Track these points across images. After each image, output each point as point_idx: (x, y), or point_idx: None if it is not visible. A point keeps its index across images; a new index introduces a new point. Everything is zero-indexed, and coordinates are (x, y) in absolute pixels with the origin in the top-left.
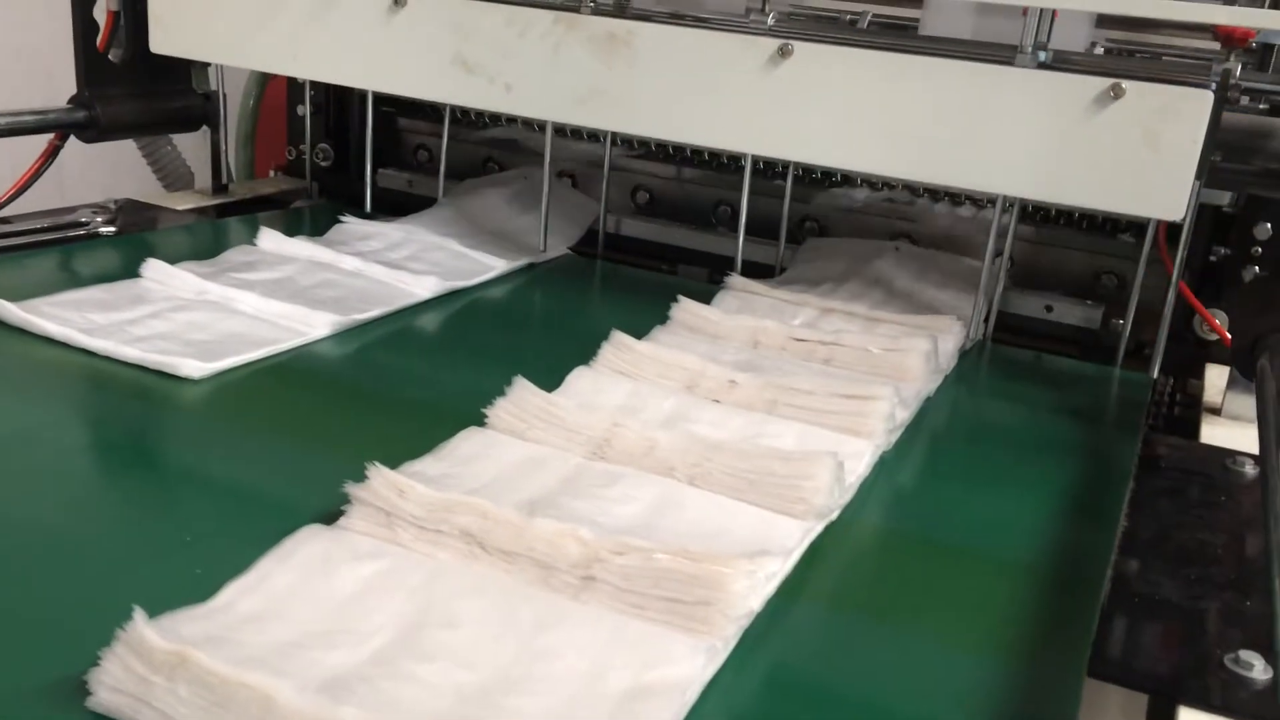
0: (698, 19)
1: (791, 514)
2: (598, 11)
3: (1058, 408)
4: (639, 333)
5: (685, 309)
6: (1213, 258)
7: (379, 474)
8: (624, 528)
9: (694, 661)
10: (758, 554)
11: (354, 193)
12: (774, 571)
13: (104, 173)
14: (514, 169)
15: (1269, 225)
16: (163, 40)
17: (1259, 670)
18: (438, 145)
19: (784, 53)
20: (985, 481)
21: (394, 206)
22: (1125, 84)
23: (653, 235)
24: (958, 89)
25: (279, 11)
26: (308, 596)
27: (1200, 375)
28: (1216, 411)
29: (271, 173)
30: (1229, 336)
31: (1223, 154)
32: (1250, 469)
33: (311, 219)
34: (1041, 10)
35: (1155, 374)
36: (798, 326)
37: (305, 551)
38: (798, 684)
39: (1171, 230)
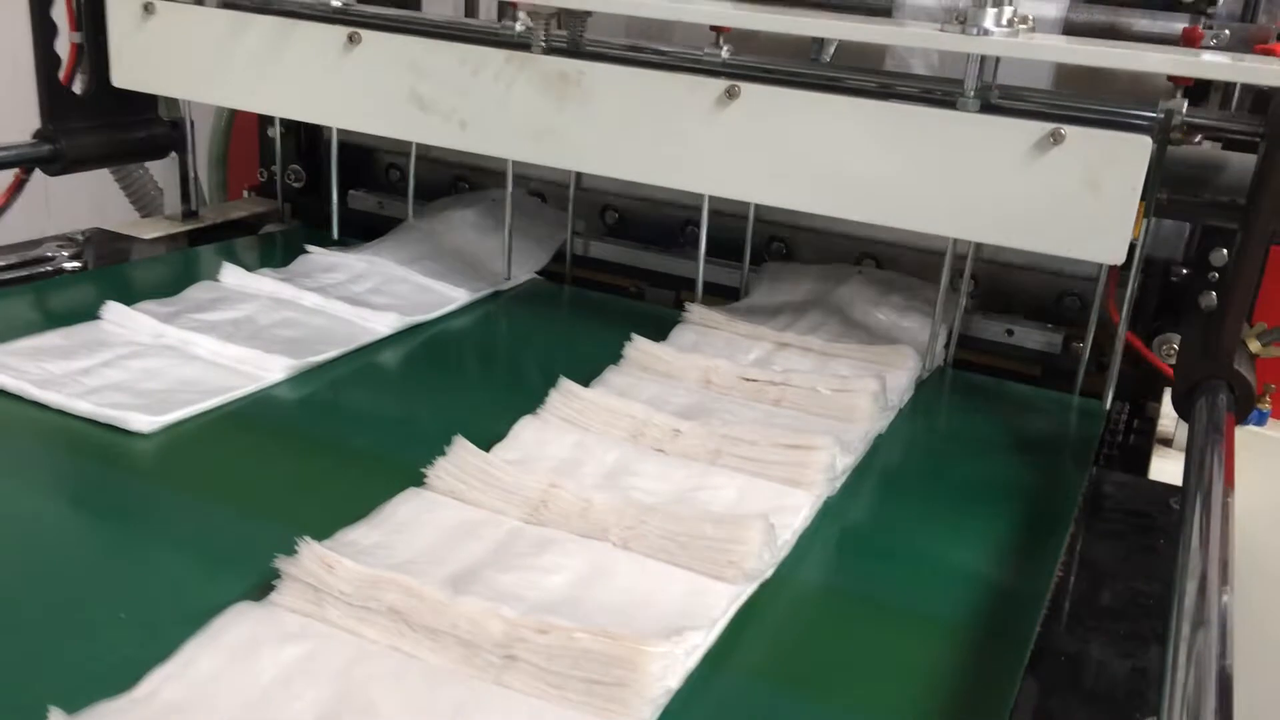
0: (658, 51)
1: (722, 578)
2: (550, 49)
3: (1008, 442)
4: (599, 364)
5: (638, 348)
6: (1174, 278)
7: (308, 549)
8: (550, 601)
9: None
10: (678, 630)
11: (326, 213)
12: (696, 645)
13: (91, 190)
14: (484, 189)
15: (1224, 251)
16: (123, 75)
17: None
18: (409, 164)
19: (731, 94)
20: (925, 529)
21: (365, 229)
22: (1065, 129)
23: (621, 258)
24: (901, 131)
25: (236, 47)
26: (231, 683)
27: (1159, 398)
28: (1169, 442)
29: (245, 193)
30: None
31: (1172, 187)
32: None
33: (283, 244)
34: (983, 55)
35: (1108, 404)
36: (749, 365)
37: (233, 633)
38: None
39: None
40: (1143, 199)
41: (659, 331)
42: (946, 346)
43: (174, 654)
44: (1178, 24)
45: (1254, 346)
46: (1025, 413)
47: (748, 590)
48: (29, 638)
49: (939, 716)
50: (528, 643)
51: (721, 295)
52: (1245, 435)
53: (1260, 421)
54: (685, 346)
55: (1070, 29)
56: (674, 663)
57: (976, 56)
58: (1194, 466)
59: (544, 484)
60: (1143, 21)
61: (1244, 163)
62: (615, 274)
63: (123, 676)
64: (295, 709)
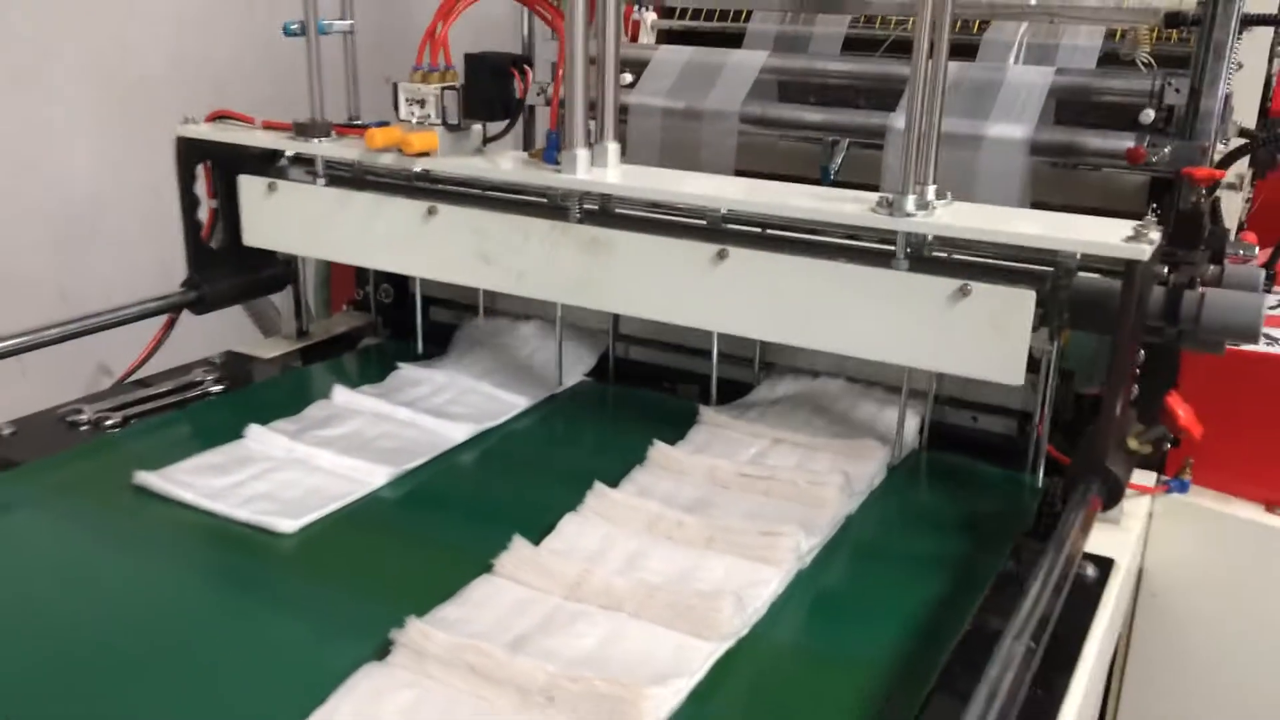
0: (673, 208)
1: (703, 637)
2: (584, 217)
3: (956, 516)
4: (634, 457)
5: (659, 450)
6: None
7: (412, 624)
8: (580, 659)
9: None
10: (667, 678)
11: (412, 325)
12: (680, 688)
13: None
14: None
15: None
16: (253, 236)
17: None
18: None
19: (721, 255)
20: (873, 591)
21: (444, 338)
22: (972, 285)
23: (655, 359)
24: (849, 285)
25: (340, 216)
26: (367, 718)
27: None
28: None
29: (344, 307)
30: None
31: (1078, 310)
32: (1090, 571)
33: (377, 359)
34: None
35: (1040, 482)
36: (746, 462)
37: (365, 685)
38: None
39: None
40: (1045, 325)
41: (684, 424)
42: (921, 432)
43: (326, 700)
44: (1126, 142)
45: (1133, 444)
46: (977, 489)
47: (723, 646)
48: (214, 690)
49: None
50: (564, 689)
51: (739, 389)
52: (1170, 503)
53: (1183, 490)
54: (699, 444)
55: (1035, 148)
56: (663, 701)
57: (902, 235)
58: (1053, 547)
59: (579, 570)
60: (1095, 140)
61: None
62: (651, 374)
63: (285, 717)
64: None
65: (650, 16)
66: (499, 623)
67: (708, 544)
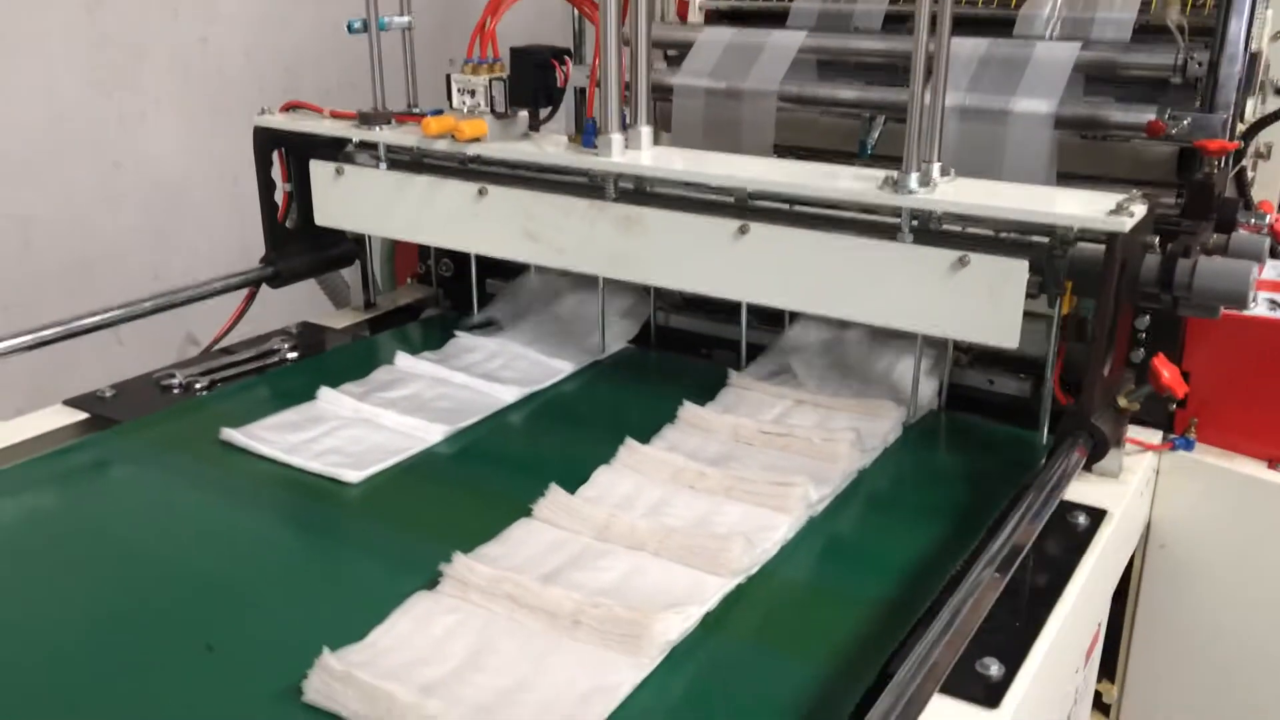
0: (703, 186)
1: (715, 573)
2: (620, 196)
3: (964, 470)
4: (667, 417)
5: (688, 410)
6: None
7: (458, 559)
8: (603, 589)
9: (628, 674)
10: (679, 606)
11: (470, 297)
12: (690, 614)
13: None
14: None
15: (1146, 317)
16: (323, 217)
17: (994, 670)
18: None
19: (743, 230)
20: (880, 536)
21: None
22: (970, 256)
23: (693, 327)
24: (859, 256)
25: (401, 198)
26: (418, 637)
27: None
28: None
29: (408, 280)
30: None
31: (1079, 278)
32: (1082, 519)
33: (439, 327)
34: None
35: (1045, 439)
36: (768, 422)
37: (417, 608)
38: (699, 689)
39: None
40: (1045, 292)
41: (716, 387)
42: (940, 394)
43: (383, 621)
44: (1147, 115)
45: (1123, 402)
46: (987, 447)
47: (733, 582)
48: (291, 613)
49: (852, 659)
50: (587, 614)
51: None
52: (1176, 459)
53: (1189, 447)
54: (728, 405)
55: (1060, 121)
56: (673, 625)
57: (907, 211)
58: (1039, 488)
59: (607, 514)
60: (1117, 114)
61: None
62: (690, 340)
63: (350, 635)
64: (455, 650)
65: None
66: (534, 559)
67: (726, 493)
